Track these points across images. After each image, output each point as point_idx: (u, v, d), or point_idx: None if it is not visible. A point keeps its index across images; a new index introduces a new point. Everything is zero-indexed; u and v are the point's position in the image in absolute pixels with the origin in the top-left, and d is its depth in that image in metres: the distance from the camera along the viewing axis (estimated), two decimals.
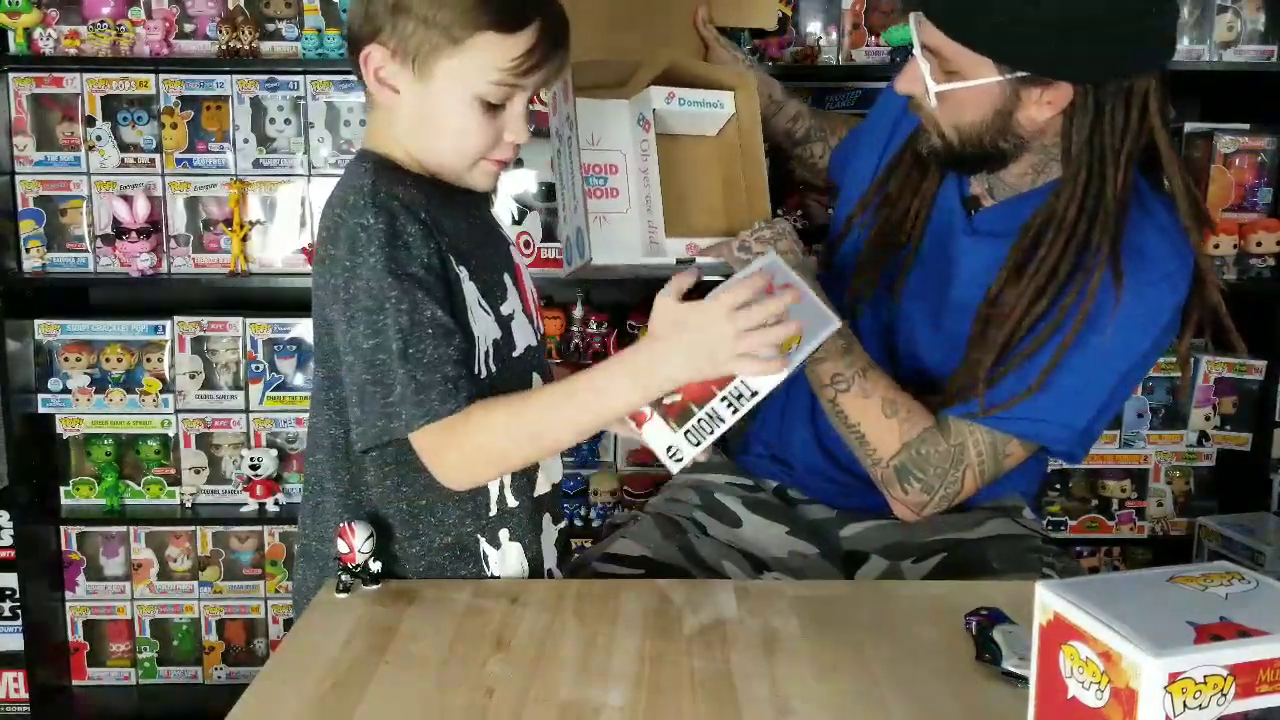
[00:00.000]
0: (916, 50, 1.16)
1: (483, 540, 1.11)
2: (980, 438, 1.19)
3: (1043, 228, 1.17)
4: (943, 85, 1.15)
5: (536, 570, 1.14)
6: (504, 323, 1.10)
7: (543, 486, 1.16)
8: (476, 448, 1.00)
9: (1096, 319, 1.14)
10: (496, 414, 0.99)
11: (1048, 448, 1.22)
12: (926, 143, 1.23)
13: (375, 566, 1.04)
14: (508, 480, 1.11)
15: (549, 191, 2.02)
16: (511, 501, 1.12)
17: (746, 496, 1.40)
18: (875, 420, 1.21)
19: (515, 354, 1.11)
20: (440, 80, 1.02)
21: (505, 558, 1.12)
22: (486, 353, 1.06)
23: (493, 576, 1.11)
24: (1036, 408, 1.17)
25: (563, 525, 1.21)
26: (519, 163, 2.05)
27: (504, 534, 1.12)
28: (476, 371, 1.04)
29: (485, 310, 1.07)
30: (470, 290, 1.06)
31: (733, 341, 0.94)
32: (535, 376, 1.15)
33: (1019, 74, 1.12)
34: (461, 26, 1.00)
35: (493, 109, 1.04)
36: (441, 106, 1.04)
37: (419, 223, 1.01)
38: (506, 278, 1.13)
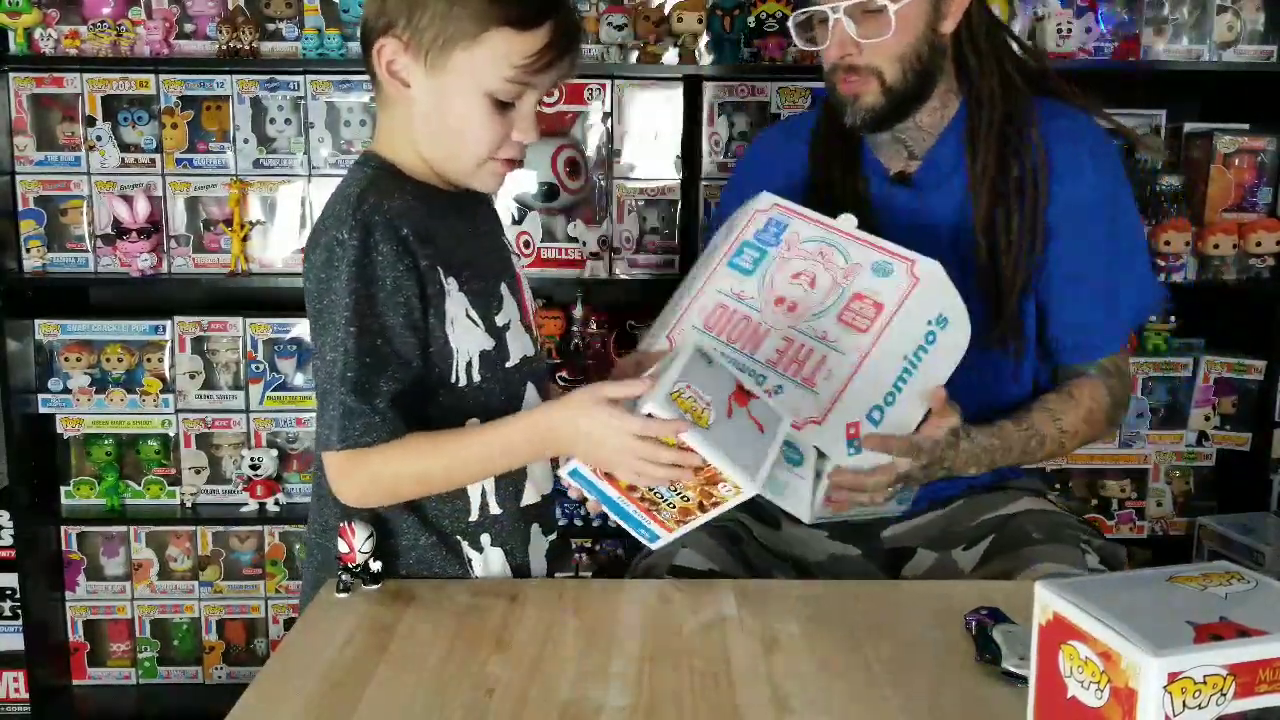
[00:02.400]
0: (836, 11, 1.24)
1: (464, 543, 1.11)
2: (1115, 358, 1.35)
3: (975, 138, 1.29)
4: (898, 4, 1.22)
5: (522, 578, 1.14)
6: (498, 333, 1.09)
7: (530, 497, 1.14)
8: (372, 478, 1.02)
9: (1091, 205, 1.29)
10: (404, 453, 1.01)
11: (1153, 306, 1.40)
12: (858, 109, 1.30)
13: (375, 566, 1.04)
14: (490, 487, 1.11)
15: (549, 191, 2.02)
16: (494, 509, 1.11)
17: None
18: (1070, 434, 1.31)
19: (509, 364, 1.10)
20: (452, 75, 1.02)
21: (488, 562, 1.12)
22: (469, 363, 1.07)
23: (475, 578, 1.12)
24: (1134, 303, 1.35)
25: (553, 537, 1.19)
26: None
27: (485, 539, 1.12)
28: (455, 381, 1.06)
29: (474, 322, 1.07)
30: (458, 301, 1.06)
31: (629, 466, 0.96)
32: (530, 387, 1.13)
33: None
34: (478, 21, 1.00)
35: (503, 107, 1.04)
36: (452, 101, 1.03)
37: (397, 239, 1.01)
38: (504, 286, 1.12)
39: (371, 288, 1.00)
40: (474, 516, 1.10)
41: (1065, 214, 1.29)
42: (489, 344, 1.08)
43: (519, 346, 1.12)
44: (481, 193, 1.14)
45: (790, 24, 1.36)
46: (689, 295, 1.21)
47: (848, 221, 1.18)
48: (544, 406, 1.07)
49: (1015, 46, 1.37)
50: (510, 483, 1.12)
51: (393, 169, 1.08)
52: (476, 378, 1.07)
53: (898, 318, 1.10)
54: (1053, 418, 1.30)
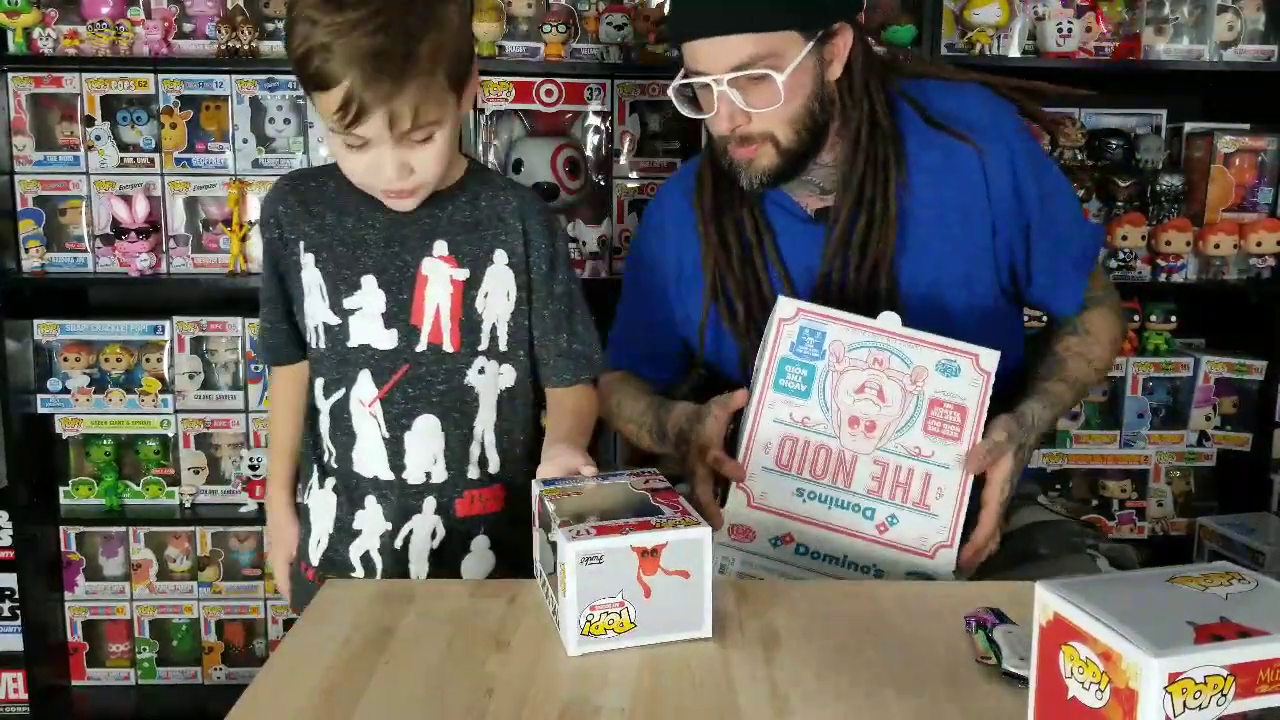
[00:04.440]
0: (720, 84, 1.19)
1: (315, 471, 1.29)
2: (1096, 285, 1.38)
3: (848, 181, 1.29)
4: (786, 72, 1.19)
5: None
6: (343, 314, 1.20)
7: (362, 467, 1.23)
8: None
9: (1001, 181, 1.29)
10: (271, 400, 1.35)
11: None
12: (754, 173, 1.27)
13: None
14: (333, 449, 1.25)
15: (549, 191, 2.02)
16: (333, 464, 1.25)
17: None
18: (1101, 367, 1.36)
19: (349, 344, 1.20)
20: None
21: (321, 498, 1.27)
22: (316, 330, 1.22)
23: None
24: (1085, 240, 1.38)
25: (389, 528, 1.23)
26: (518, 165, 2.05)
27: (329, 481, 1.27)
28: (309, 339, 1.24)
29: (322, 296, 1.20)
30: (313, 275, 1.21)
31: None
32: (364, 375, 1.20)
33: (817, 34, 1.21)
34: (300, 80, 1.08)
35: (360, 148, 1.10)
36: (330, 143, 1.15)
37: (270, 215, 1.24)
38: (373, 280, 1.19)
39: (266, 243, 1.26)
40: (325, 458, 1.26)
41: (991, 194, 1.30)
42: (333, 320, 1.20)
43: (370, 335, 1.20)
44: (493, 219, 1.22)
45: (670, 91, 1.28)
46: (744, 433, 1.14)
47: (891, 320, 1.14)
48: None
49: (895, 59, 1.40)
50: (342, 448, 1.23)
51: (335, 168, 1.21)
52: (322, 345, 1.22)
53: (983, 419, 1.11)
54: (1085, 360, 1.32)
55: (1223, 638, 0.54)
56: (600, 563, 0.87)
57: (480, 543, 1.25)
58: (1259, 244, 2.08)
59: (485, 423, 1.24)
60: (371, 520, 1.23)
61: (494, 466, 1.25)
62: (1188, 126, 2.17)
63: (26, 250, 2.07)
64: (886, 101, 1.30)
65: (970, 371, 1.12)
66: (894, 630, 0.95)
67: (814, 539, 1.11)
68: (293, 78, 2.00)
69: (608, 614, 0.89)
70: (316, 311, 1.22)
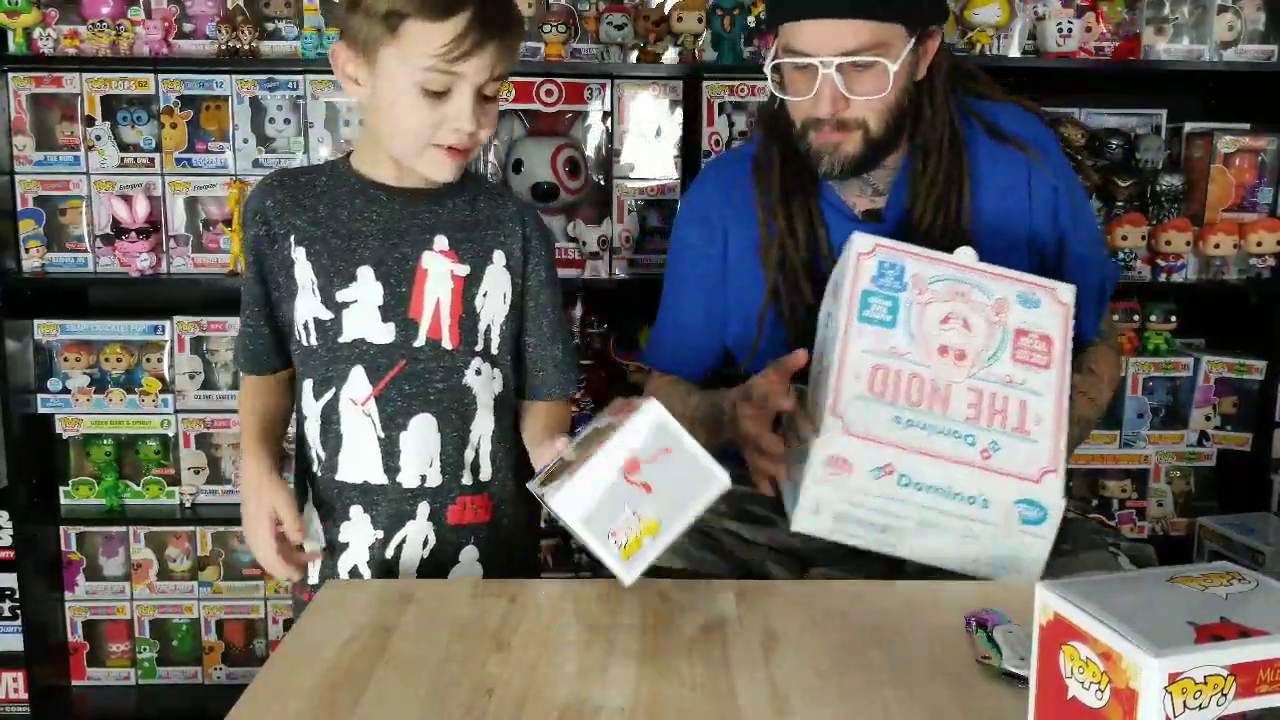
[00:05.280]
0: (828, 66, 1.21)
1: (309, 485, 1.25)
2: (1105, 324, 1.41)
3: (917, 183, 1.31)
4: (897, 62, 1.21)
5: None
6: (335, 308, 1.18)
7: (347, 474, 1.21)
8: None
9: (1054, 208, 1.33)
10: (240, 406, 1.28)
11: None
12: (837, 159, 1.28)
13: None
14: (320, 454, 1.23)
15: (549, 191, 2.02)
16: (318, 471, 1.23)
17: (777, 506, 1.39)
18: (1102, 406, 1.38)
19: (340, 339, 1.18)
20: (384, 68, 1.11)
21: (311, 512, 1.25)
22: (306, 324, 1.20)
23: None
24: (1106, 271, 1.40)
25: (379, 534, 1.21)
26: (518, 165, 2.05)
27: (310, 493, 1.25)
28: (297, 337, 1.21)
29: (314, 290, 1.18)
30: (304, 268, 1.19)
31: None
32: (358, 370, 1.18)
33: (918, 32, 1.24)
34: (396, 15, 1.07)
35: (435, 96, 1.10)
36: (387, 94, 1.12)
37: (255, 211, 1.21)
38: (369, 271, 1.18)
39: (248, 242, 1.23)
40: (313, 468, 1.24)
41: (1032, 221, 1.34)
42: (325, 314, 1.18)
43: (364, 329, 1.18)
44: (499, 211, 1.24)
45: (766, 68, 1.30)
46: (831, 366, 1.09)
47: (968, 255, 1.14)
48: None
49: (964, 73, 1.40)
50: (329, 453, 1.21)
51: (332, 163, 1.24)
52: (313, 341, 1.19)
53: (1069, 350, 1.10)
54: (1089, 400, 1.32)
55: (1223, 638, 0.54)
56: (591, 496, 0.91)
57: (469, 553, 1.24)
58: (1259, 244, 2.08)
59: (483, 428, 1.23)
60: (358, 532, 1.21)
61: (485, 474, 1.24)
62: (1188, 126, 2.17)
63: (27, 250, 2.06)
64: (959, 112, 1.33)
65: (1050, 304, 1.11)
66: (894, 630, 0.95)
67: (916, 468, 1.04)
68: (293, 78, 2.02)
69: (629, 530, 0.91)
70: (307, 307, 1.19)
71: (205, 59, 2.03)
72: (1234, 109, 2.17)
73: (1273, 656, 0.54)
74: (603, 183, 2.13)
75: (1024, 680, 0.68)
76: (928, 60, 1.29)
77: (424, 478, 1.20)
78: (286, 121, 2.09)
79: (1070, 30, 2.01)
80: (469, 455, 1.22)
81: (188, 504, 2.17)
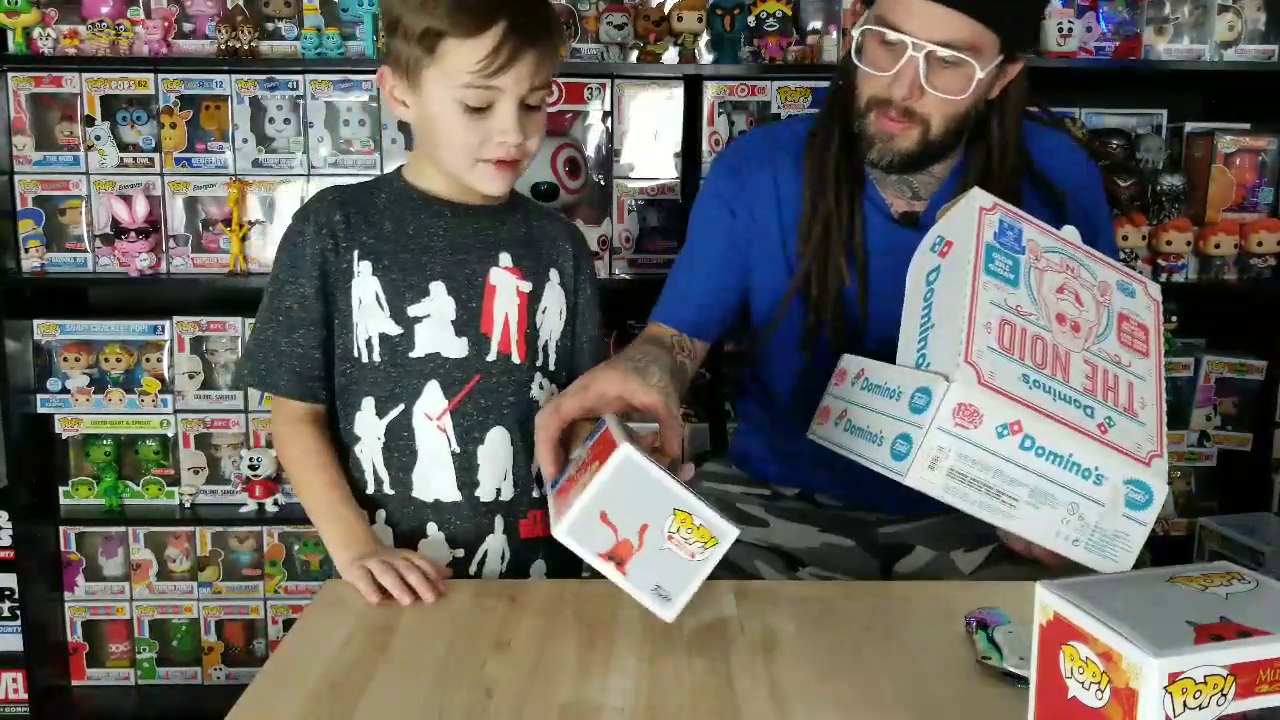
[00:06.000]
0: (920, 50, 1.17)
1: (367, 511, 1.18)
2: None
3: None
4: (984, 70, 1.19)
5: None
6: (407, 323, 1.16)
7: (423, 493, 1.18)
8: (275, 442, 1.25)
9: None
10: (291, 448, 1.18)
11: None
12: (889, 150, 1.26)
13: None
14: (381, 469, 1.18)
15: (549, 191, 2.02)
16: (387, 489, 1.18)
17: (770, 505, 1.39)
18: None
19: (413, 354, 1.16)
20: (427, 89, 1.12)
21: (380, 535, 1.18)
22: (369, 341, 1.17)
23: None
24: None
25: (458, 553, 1.19)
26: None
27: (381, 514, 1.19)
28: (357, 355, 1.17)
29: (381, 305, 1.16)
30: (368, 283, 1.16)
31: None
32: (433, 386, 1.16)
33: (1009, 53, 1.22)
34: (432, 35, 1.08)
35: (479, 111, 1.11)
36: (432, 113, 1.13)
37: (323, 225, 1.16)
38: (442, 287, 1.17)
39: (288, 259, 1.17)
40: (370, 490, 1.19)
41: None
42: (394, 329, 1.16)
43: (437, 343, 1.17)
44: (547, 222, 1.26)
45: (855, 30, 1.26)
46: (955, 317, 1.02)
47: (1073, 234, 1.13)
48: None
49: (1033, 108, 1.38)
50: (400, 471, 1.18)
51: (386, 179, 1.23)
52: (377, 358, 1.16)
53: (1162, 343, 1.09)
54: None
55: (1223, 638, 0.54)
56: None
57: (538, 567, 1.24)
58: (1259, 244, 2.08)
59: None
60: (435, 549, 1.18)
61: (547, 487, 1.24)
62: (1188, 126, 2.17)
63: (26, 250, 2.06)
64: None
65: (1144, 296, 1.10)
66: (894, 630, 0.95)
67: (1042, 431, 0.97)
68: (293, 78, 2.02)
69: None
70: (371, 322, 1.16)
71: (205, 59, 2.03)
72: (1234, 109, 2.17)
73: (1272, 656, 0.54)
74: (603, 183, 2.13)
75: (1024, 680, 0.68)
76: (1004, 82, 1.27)
77: (499, 491, 1.20)
78: (286, 121, 2.09)
79: (1070, 30, 2.01)
80: (534, 469, 1.22)
81: (187, 504, 2.17)
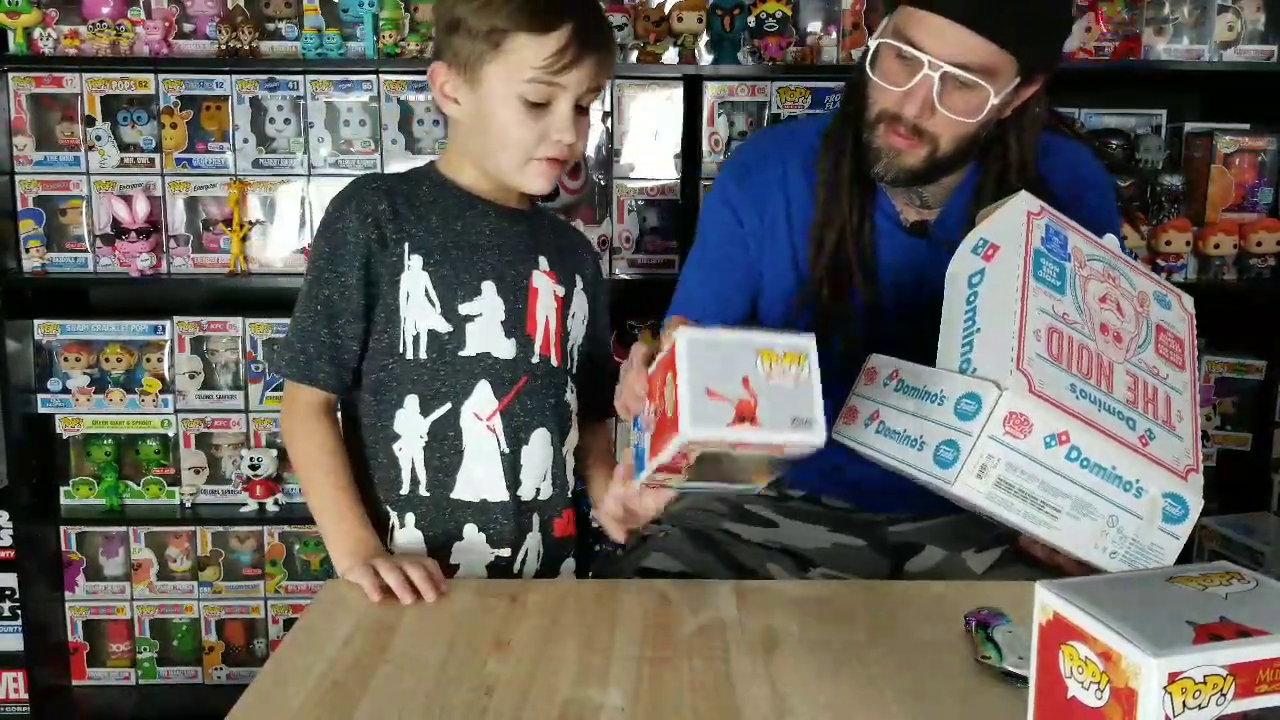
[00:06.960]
0: (936, 70, 1.15)
1: (393, 513, 1.17)
2: None
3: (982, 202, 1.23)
4: (998, 96, 1.16)
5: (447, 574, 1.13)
6: (457, 320, 1.16)
7: (464, 493, 1.17)
8: (287, 433, 1.20)
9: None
10: (305, 442, 1.16)
11: None
12: (894, 165, 1.24)
13: None
14: (420, 469, 1.16)
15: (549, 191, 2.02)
16: (423, 492, 1.17)
17: (778, 505, 1.38)
18: None
19: (463, 353, 1.16)
20: (487, 84, 1.13)
21: (407, 539, 1.17)
22: (417, 337, 1.15)
23: (390, 551, 1.15)
24: None
25: (504, 552, 1.18)
26: None
27: (410, 517, 1.17)
28: (402, 351, 1.15)
29: (431, 301, 1.15)
30: (418, 278, 1.15)
31: None
32: (484, 385, 1.16)
33: (1025, 75, 1.19)
34: (499, 31, 1.10)
35: (537, 108, 1.13)
36: (490, 108, 1.14)
37: (368, 214, 1.14)
38: (492, 287, 1.17)
39: (329, 247, 1.15)
40: (404, 490, 1.17)
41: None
42: (443, 326, 1.15)
43: (487, 343, 1.16)
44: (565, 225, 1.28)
45: (871, 42, 1.23)
46: (1004, 323, 1.01)
47: (1113, 242, 1.12)
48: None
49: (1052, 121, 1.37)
50: (441, 472, 1.16)
51: (423, 172, 1.22)
52: (424, 355, 1.15)
53: (1195, 358, 1.09)
54: None
55: (1222, 637, 0.54)
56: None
57: (567, 565, 1.24)
58: (1259, 244, 2.08)
59: (572, 443, 1.25)
60: (472, 551, 1.17)
61: (573, 488, 1.26)
62: (1188, 126, 2.17)
63: (27, 250, 2.07)
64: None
65: (1178, 309, 1.10)
66: (894, 630, 0.95)
67: (1088, 443, 0.97)
68: (293, 78, 2.02)
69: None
70: (420, 318, 1.15)
71: (205, 59, 2.03)
72: (1234, 109, 2.17)
73: (1272, 656, 0.54)
74: (603, 183, 2.13)
75: (1024, 680, 0.68)
76: (1019, 102, 1.24)
77: (538, 490, 1.20)
78: (287, 121, 2.09)
79: (1070, 30, 2.01)
80: (570, 469, 1.24)
81: (188, 504, 2.17)
